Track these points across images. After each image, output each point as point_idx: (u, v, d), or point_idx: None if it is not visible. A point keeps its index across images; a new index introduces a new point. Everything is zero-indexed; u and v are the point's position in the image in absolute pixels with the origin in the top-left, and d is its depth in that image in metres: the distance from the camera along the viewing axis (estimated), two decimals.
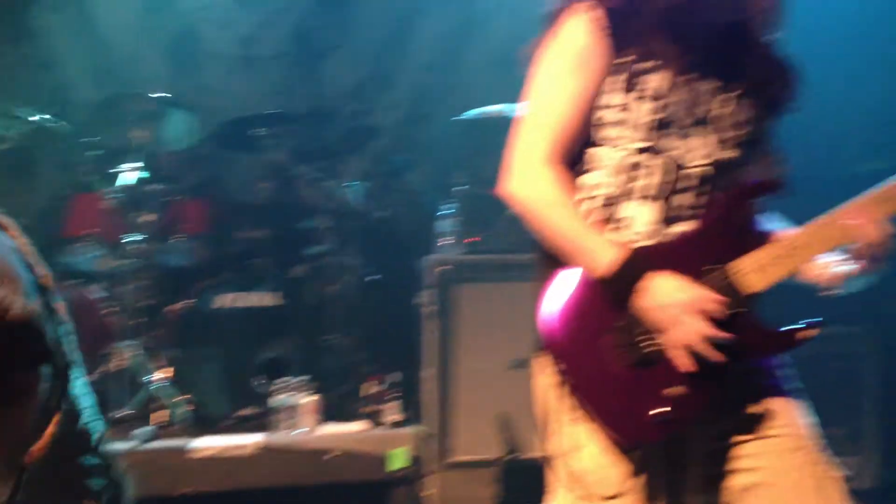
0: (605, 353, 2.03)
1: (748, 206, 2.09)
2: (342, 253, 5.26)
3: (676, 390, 1.99)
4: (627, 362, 2.02)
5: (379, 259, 5.38)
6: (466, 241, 4.53)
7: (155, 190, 4.81)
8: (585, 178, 2.13)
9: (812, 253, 2.07)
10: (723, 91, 2.09)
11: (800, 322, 2.05)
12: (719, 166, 2.10)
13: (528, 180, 2.07)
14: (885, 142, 5.46)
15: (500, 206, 4.50)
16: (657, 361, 2.01)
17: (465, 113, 4.79)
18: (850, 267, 2.10)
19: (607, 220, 2.10)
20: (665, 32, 2.04)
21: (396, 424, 4.61)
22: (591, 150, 2.13)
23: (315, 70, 6.12)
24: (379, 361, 5.12)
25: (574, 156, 2.12)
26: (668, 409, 2.00)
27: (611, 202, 2.10)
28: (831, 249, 2.08)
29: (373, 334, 5.16)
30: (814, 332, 2.03)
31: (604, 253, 2.02)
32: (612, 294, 2.02)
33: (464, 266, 4.43)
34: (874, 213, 2.03)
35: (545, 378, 2.14)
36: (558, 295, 2.10)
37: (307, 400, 4.50)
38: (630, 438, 2.05)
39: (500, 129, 4.56)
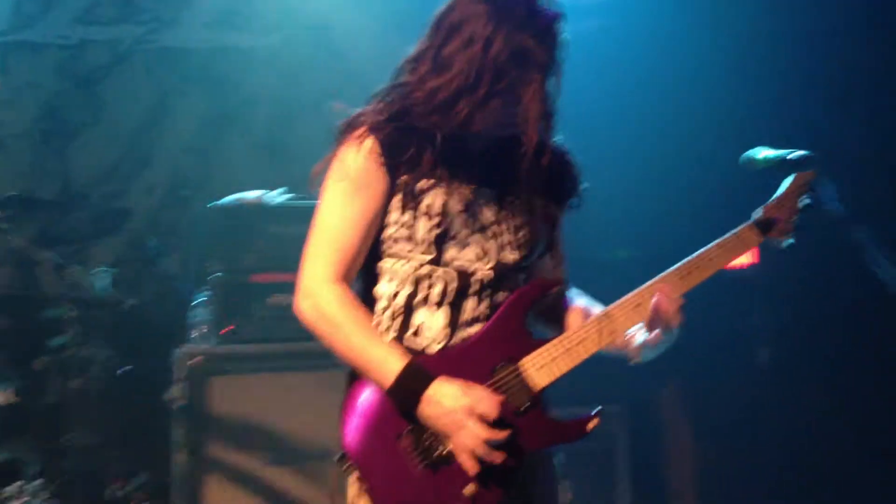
0: (403, 457, 2.17)
1: (534, 303, 2.29)
2: (88, 344, 4.98)
3: (471, 489, 2.12)
4: (423, 464, 2.16)
5: (129, 350, 5.14)
6: (222, 331, 4.38)
7: None
8: (378, 289, 2.31)
9: (595, 345, 2.26)
10: (500, 199, 2.28)
11: (585, 413, 2.24)
12: (501, 270, 2.28)
13: (315, 300, 2.22)
14: (636, 231, 5.79)
15: (255, 295, 4.43)
16: (452, 461, 2.14)
17: (222, 199, 4.68)
18: (646, 337, 2.29)
19: (403, 328, 2.27)
20: (435, 154, 2.23)
21: None
22: (382, 263, 2.30)
23: (64, 150, 5.86)
24: (126, 461, 4.86)
25: (367, 268, 2.31)
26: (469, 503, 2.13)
27: (404, 311, 2.27)
28: (614, 338, 2.28)
29: (120, 432, 4.89)
30: (598, 421, 2.24)
31: (387, 366, 2.15)
32: (398, 404, 2.16)
33: (217, 357, 4.30)
34: (639, 313, 2.26)
35: (349, 481, 2.26)
36: (356, 403, 2.23)
37: None
38: None
39: (257, 216, 4.54)
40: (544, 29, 2.22)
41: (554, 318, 2.42)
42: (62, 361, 4.93)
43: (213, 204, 4.64)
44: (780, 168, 2.53)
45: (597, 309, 2.36)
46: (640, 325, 2.30)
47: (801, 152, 2.53)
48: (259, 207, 4.60)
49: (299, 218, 4.46)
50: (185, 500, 4.19)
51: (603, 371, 2.47)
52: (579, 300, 2.45)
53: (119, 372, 5.04)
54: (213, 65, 6.09)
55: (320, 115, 6.63)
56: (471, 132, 2.22)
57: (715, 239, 2.37)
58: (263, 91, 6.15)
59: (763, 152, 2.60)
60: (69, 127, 5.90)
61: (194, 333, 4.47)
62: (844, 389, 5.36)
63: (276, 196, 4.70)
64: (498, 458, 2.10)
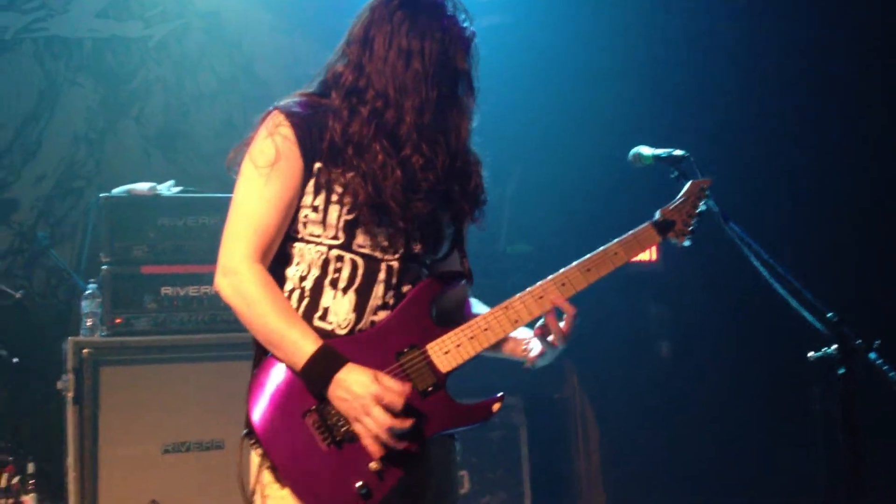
0: (309, 433, 2.22)
1: (439, 295, 2.37)
2: None
3: (375, 465, 2.20)
4: (328, 441, 2.22)
5: (18, 341, 5.06)
6: (111, 322, 4.38)
7: None
8: (290, 271, 2.36)
9: (498, 333, 2.36)
10: (411, 192, 2.32)
11: (488, 397, 2.34)
12: (407, 261, 2.36)
13: (233, 279, 2.27)
14: (529, 225, 5.94)
15: (146, 287, 4.44)
16: (356, 439, 2.22)
17: (113, 189, 4.66)
18: (539, 343, 2.41)
19: (310, 310, 2.32)
20: (350, 143, 2.28)
21: None
22: (296, 245, 2.36)
23: None
24: (17, 451, 4.80)
25: (279, 250, 2.35)
26: (371, 481, 2.20)
27: (312, 293, 2.33)
28: (517, 327, 2.39)
29: (10, 421, 4.83)
30: (500, 405, 2.34)
31: (300, 348, 2.22)
32: (308, 384, 2.23)
33: (108, 348, 4.30)
34: (557, 295, 2.36)
35: (252, 457, 2.30)
36: (264, 380, 2.28)
37: None
38: None
39: (148, 207, 4.54)
40: (464, 43, 2.34)
41: (457, 316, 2.47)
42: None
43: (104, 195, 4.60)
44: (663, 163, 2.70)
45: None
46: (532, 334, 2.40)
47: (680, 151, 2.69)
48: (151, 199, 4.59)
49: (191, 210, 4.57)
50: (78, 488, 4.17)
51: (501, 363, 2.55)
52: (480, 306, 2.53)
53: (14, 361, 4.97)
54: (104, 54, 6.04)
55: (214, 105, 6.69)
56: (381, 126, 2.29)
57: (610, 234, 2.47)
58: (157, 81, 6.12)
59: (647, 150, 2.74)
60: None
61: (85, 324, 4.44)
62: (740, 378, 5.59)
63: (166, 189, 4.69)
64: (401, 445, 2.18)
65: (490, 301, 2.51)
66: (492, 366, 2.56)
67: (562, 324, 2.36)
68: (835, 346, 2.58)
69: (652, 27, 5.83)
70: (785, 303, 2.65)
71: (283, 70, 6.24)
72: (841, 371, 2.57)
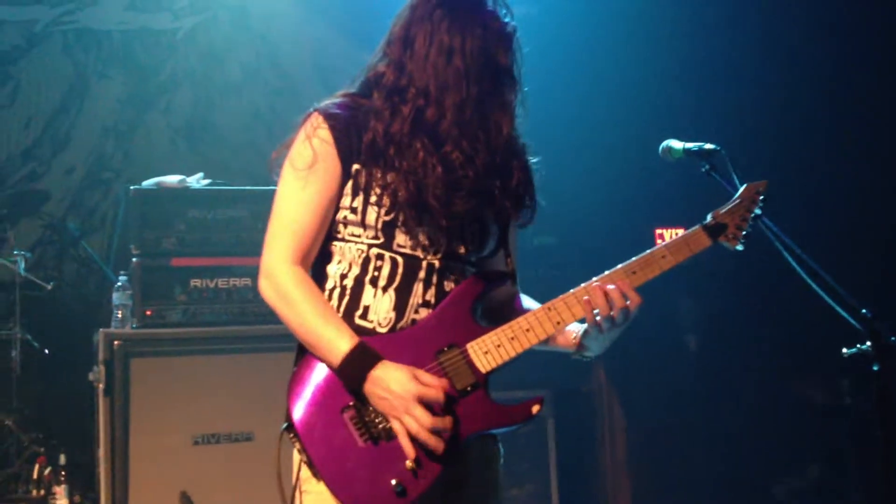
0: (346, 430, 2.23)
1: (482, 294, 2.34)
2: (8, 326, 4.97)
3: (411, 464, 2.18)
4: (365, 438, 2.22)
5: (50, 332, 5.11)
6: (142, 314, 4.40)
7: None
8: (331, 268, 2.37)
9: (540, 335, 2.33)
10: (452, 192, 2.29)
11: (526, 398, 2.30)
12: (449, 260, 2.35)
13: (272, 280, 2.30)
14: (552, 215, 5.92)
15: (176, 279, 4.46)
16: (393, 437, 2.21)
17: (143, 182, 4.68)
18: (588, 335, 2.38)
19: (350, 308, 2.33)
20: (389, 144, 2.28)
21: None
22: (337, 244, 2.37)
23: None
24: (49, 442, 4.85)
25: (323, 248, 2.36)
26: (407, 479, 2.18)
27: (353, 291, 2.33)
28: (560, 328, 2.35)
29: (42, 413, 4.88)
30: (540, 407, 2.30)
31: (335, 346, 2.23)
32: (345, 381, 2.24)
33: (138, 340, 4.31)
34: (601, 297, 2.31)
35: (293, 451, 2.29)
36: (304, 376, 2.29)
37: None
38: None
39: (178, 199, 4.56)
40: (505, 40, 2.32)
41: (507, 312, 2.43)
42: None
43: (134, 187, 4.62)
44: (694, 157, 2.65)
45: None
46: (583, 323, 2.36)
47: (712, 145, 2.65)
48: (180, 191, 4.60)
49: (219, 203, 4.58)
50: (109, 479, 4.18)
51: (528, 357, 2.47)
52: (530, 302, 2.48)
53: (37, 354, 5.02)
54: (132, 47, 6.08)
55: (241, 97, 6.71)
56: (435, 132, 2.27)
57: (637, 229, 2.42)
58: (184, 73, 6.15)
59: (677, 143, 2.70)
60: None
61: (116, 316, 4.47)
62: (768, 371, 5.54)
63: (195, 182, 4.71)
64: (439, 445, 2.16)
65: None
66: (520, 359, 2.52)
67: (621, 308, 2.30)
68: (868, 343, 2.55)
69: (683, 17, 5.78)
70: (814, 297, 2.62)
71: (308, 62, 6.26)
72: (875, 367, 2.54)
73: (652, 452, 5.66)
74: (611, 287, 2.32)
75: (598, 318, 2.32)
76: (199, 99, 6.14)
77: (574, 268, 5.16)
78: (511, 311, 2.45)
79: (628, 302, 2.32)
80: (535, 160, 2.47)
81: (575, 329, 2.43)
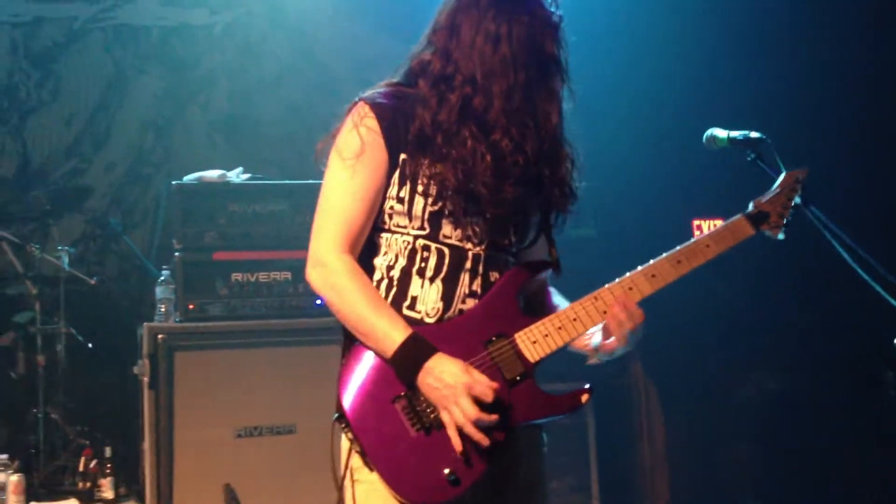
0: (397, 419, 2.23)
1: (526, 283, 2.35)
2: (53, 321, 5.03)
3: (460, 452, 2.19)
4: (416, 427, 2.22)
5: (94, 326, 5.16)
6: (185, 308, 4.44)
7: None
8: (377, 260, 2.36)
9: (587, 324, 2.33)
10: (498, 183, 2.27)
11: (575, 387, 2.31)
12: (493, 251, 2.34)
13: (322, 270, 2.28)
14: (594, 208, 5.89)
15: (217, 272, 4.50)
16: (443, 427, 2.20)
17: (184, 177, 4.72)
18: (605, 340, 2.37)
19: (398, 299, 2.32)
20: (436, 134, 2.26)
21: (112, 501, 4.42)
22: (383, 235, 2.36)
23: (22, 129, 5.86)
24: (94, 435, 4.91)
25: (368, 239, 2.35)
26: (459, 468, 2.18)
27: (399, 283, 2.33)
28: (601, 321, 2.34)
29: (87, 406, 4.93)
30: (588, 396, 2.33)
31: (389, 336, 2.23)
32: (399, 371, 2.23)
33: (182, 333, 4.35)
34: (631, 297, 2.33)
35: (343, 441, 2.30)
36: (354, 367, 2.28)
37: (8, 480, 4.24)
38: (416, 498, 2.20)
39: (219, 194, 4.60)
40: (551, 27, 2.31)
41: (535, 304, 2.43)
42: (26, 337, 4.99)
43: (175, 182, 4.66)
44: (739, 146, 2.63)
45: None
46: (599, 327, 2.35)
47: (757, 133, 2.62)
48: (221, 186, 4.63)
49: (259, 197, 4.61)
50: (154, 472, 4.22)
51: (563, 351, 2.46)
52: (557, 295, 2.48)
53: (81, 347, 5.07)
54: (170, 42, 6.12)
55: (278, 91, 6.73)
56: (483, 120, 2.26)
57: (677, 220, 2.40)
58: (221, 68, 6.18)
59: (721, 132, 2.68)
60: (26, 105, 5.90)
61: (160, 310, 4.51)
62: (810, 363, 5.49)
63: (235, 176, 4.74)
64: (484, 440, 2.15)
65: (554, 286, 2.48)
66: (560, 351, 2.51)
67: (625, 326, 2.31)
68: None
69: (719, 4, 5.73)
70: (859, 286, 2.58)
71: (344, 55, 6.27)
72: None
73: (690, 445, 5.63)
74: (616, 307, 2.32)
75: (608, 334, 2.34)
76: (237, 94, 6.17)
77: (613, 259, 5.13)
78: (541, 303, 2.45)
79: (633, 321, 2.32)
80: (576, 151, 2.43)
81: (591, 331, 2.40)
